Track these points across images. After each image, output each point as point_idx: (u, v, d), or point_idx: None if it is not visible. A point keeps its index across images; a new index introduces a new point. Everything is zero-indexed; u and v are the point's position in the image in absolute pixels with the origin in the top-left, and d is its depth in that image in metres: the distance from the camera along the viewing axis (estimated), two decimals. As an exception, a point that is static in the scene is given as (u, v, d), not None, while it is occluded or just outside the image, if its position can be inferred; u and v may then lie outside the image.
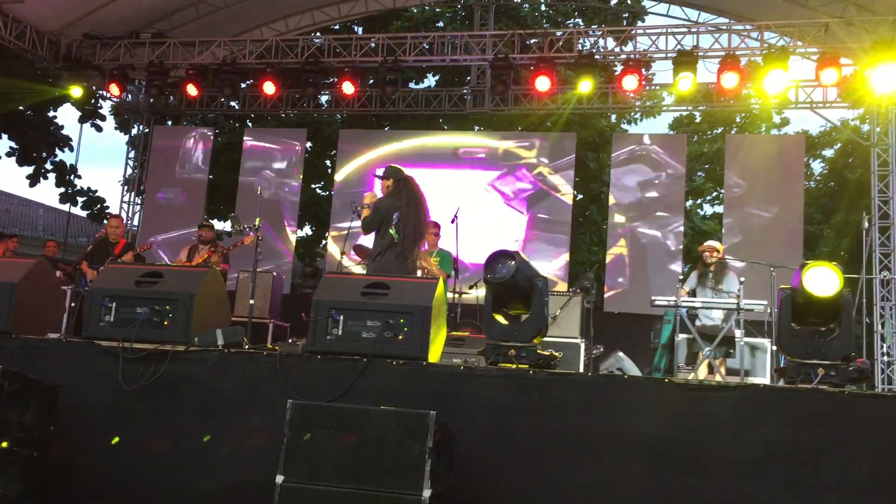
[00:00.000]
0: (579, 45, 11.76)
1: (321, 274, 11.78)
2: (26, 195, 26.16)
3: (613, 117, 19.73)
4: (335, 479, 3.62)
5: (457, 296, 8.54)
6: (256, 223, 7.65)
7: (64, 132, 17.94)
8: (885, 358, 11.15)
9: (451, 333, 6.49)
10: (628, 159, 13.27)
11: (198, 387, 4.57)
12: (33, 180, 17.84)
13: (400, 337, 4.41)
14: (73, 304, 9.07)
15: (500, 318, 4.69)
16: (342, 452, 3.64)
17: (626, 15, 19.13)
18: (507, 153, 13.69)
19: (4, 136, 16.97)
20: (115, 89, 12.88)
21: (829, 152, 21.81)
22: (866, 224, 10.19)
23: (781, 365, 5.14)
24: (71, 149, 17.99)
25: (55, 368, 4.57)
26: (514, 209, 13.43)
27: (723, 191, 14.96)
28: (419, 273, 6.88)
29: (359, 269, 8.94)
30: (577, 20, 19.50)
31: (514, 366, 4.47)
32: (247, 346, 4.78)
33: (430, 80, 19.25)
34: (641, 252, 12.90)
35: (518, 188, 13.48)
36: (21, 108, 16.68)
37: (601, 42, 12.62)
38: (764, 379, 7.79)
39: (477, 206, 12.33)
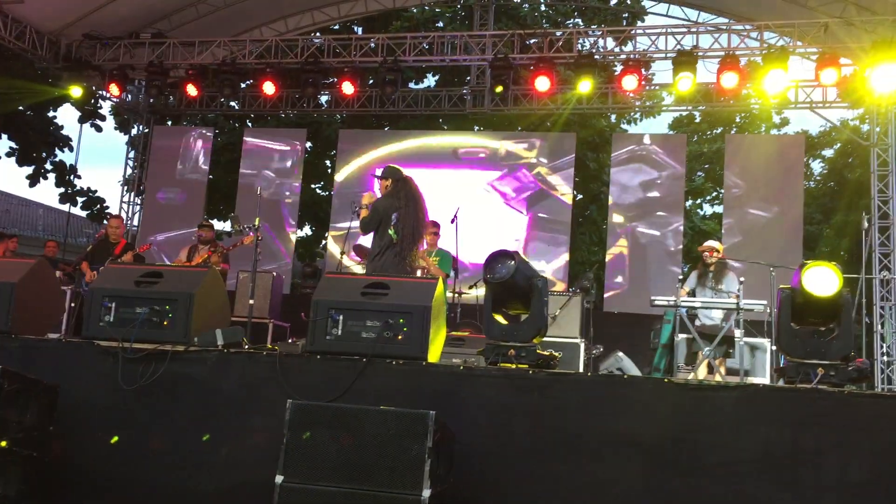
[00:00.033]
0: (579, 45, 11.76)
1: (321, 274, 11.77)
2: (26, 195, 26.20)
3: (613, 117, 19.73)
4: (335, 480, 3.62)
5: (456, 296, 8.55)
6: (256, 223, 7.65)
7: (64, 132, 17.96)
8: (885, 358, 11.15)
9: (450, 333, 6.49)
10: (628, 159, 13.27)
11: (197, 387, 4.57)
12: (33, 180, 17.84)
13: (399, 337, 4.41)
14: (72, 304, 9.07)
15: (500, 318, 4.69)
16: (342, 452, 3.64)
17: (626, 15, 19.12)
18: (507, 153, 13.69)
19: (4, 137, 16.98)
20: (114, 89, 12.88)
21: (828, 152, 21.83)
22: (866, 224, 10.19)
23: (781, 365, 5.14)
24: (71, 149, 18.01)
25: (55, 368, 4.57)
26: (514, 209, 13.43)
27: (722, 191, 14.96)
28: (419, 273, 6.87)
29: (359, 269, 8.94)
30: (576, 20, 19.50)
31: (514, 366, 4.47)
32: (246, 346, 4.78)
33: (430, 81, 19.26)
34: (641, 252, 12.90)
35: (518, 188, 13.48)
36: (21, 108, 16.67)
37: (601, 42, 12.62)
38: (763, 379, 7.79)
39: (477, 206, 12.34)
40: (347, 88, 12.35)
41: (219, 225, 18.75)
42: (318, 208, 19.18)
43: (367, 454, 3.62)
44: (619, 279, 12.97)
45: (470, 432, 4.13)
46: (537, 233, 13.30)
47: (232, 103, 15.50)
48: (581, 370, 7.45)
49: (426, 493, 3.53)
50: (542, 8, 18.90)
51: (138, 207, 14.77)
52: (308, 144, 17.34)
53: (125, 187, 14.87)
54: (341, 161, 14.52)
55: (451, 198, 9.58)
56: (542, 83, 11.40)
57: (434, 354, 4.61)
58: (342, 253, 10.57)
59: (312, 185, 19.94)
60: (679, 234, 12.97)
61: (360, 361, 4.38)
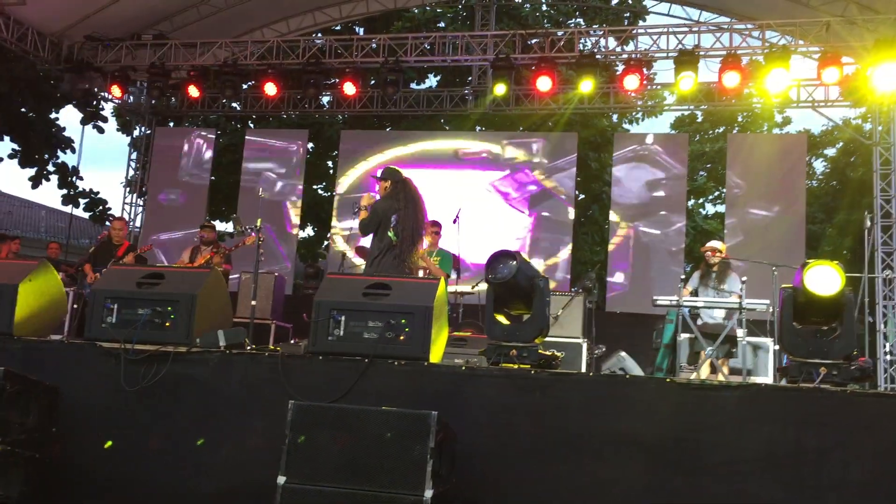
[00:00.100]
0: (580, 45, 11.74)
1: (323, 275, 11.76)
2: (28, 197, 26.14)
3: (615, 117, 19.71)
4: (337, 480, 3.62)
5: (458, 296, 8.54)
6: (258, 224, 7.66)
7: (66, 134, 17.93)
8: (888, 357, 11.12)
9: (452, 334, 6.49)
10: (630, 159, 13.25)
11: (199, 388, 4.57)
12: (35, 182, 17.81)
13: (401, 337, 4.41)
14: (75, 306, 9.07)
15: (502, 319, 4.69)
16: (344, 453, 3.64)
17: (628, 14, 19.11)
18: (509, 153, 13.68)
19: (6, 138, 16.96)
20: (116, 91, 12.86)
21: (831, 151, 21.81)
22: (868, 223, 10.19)
23: (783, 364, 5.14)
24: (73, 150, 17.95)
25: (57, 370, 4.58)
26: (516, 209, 13.42)
27: (724, 190, 14.95)
28: (420, 274, 6.87)
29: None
30: (578, 20, 19.48)
31: (516, 366, 4.47)
32: (248, 347, 4.78)
33: (432, 81, 19.25)
34: (643, 252, 12.89)
35: (519, 188, 13.47)
36: (23, 109, 16.69)
37: (602, 42, 12.61)
38: (766, 378, 7.78)
39: (478, 207, 12.32)
40: (349, 89, 12.34)
41: (221, 226, 18.74)
42: (320, 209, 19.17)
43: (369, 455, 3.62)
44: (622, 279, 12.96)
45: (472, 432, 4.13)
46: (539, 233, 13.29)
47: (234, 104, 15.49)
48: (583, 370, 7.44)
49: (428, 493, 3.53)
50: (544, 8, 18.90)
51: (140, 209, 14.78)
52: (310, 145, 17.33)
53: (127, 189, 14.88)
54: (343, 162, 14.47)
55: (452, 198, 9.60)
56: (544, 83, 11.39)
57: (436, 355, 4.61)
58: (352, 248, 10.44)
59: (314, 186, 19.95)
60: (681, 233, 12.96)
61: (361, 362, 4.37)
